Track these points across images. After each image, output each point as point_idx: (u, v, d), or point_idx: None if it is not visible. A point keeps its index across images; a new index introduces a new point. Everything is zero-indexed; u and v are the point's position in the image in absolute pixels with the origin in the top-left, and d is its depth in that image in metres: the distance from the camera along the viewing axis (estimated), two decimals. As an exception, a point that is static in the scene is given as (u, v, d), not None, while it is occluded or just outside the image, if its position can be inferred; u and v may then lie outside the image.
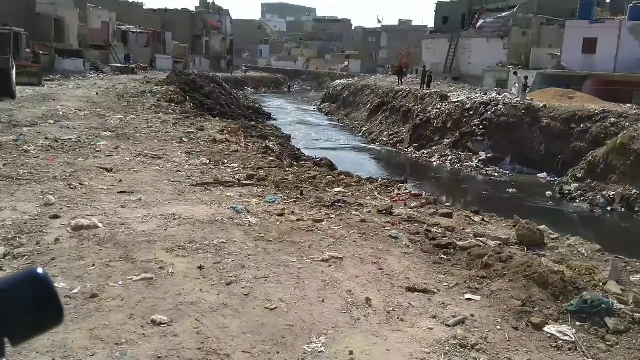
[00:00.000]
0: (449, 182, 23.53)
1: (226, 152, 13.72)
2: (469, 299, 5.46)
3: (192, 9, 77.34)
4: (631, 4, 31.10)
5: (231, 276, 5.53)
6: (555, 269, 5.85)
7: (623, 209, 17.46)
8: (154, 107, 22.15)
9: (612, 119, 21.36)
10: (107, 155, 11.73)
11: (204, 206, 8.25)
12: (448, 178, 23.93)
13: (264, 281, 5.48)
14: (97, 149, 12.33)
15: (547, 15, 39.31)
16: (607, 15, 37.16)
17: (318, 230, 7.39)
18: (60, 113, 17.62)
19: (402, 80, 40.46)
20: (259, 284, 5.41)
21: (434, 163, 25.59)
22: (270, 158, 13.94)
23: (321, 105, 52.48)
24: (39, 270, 1.05)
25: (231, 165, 12.06)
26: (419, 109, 30.36)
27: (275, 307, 4.91)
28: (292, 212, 8.26)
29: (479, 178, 22.96)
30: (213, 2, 79.70)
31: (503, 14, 42.03)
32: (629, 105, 24.03)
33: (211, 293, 5.12)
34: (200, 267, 5.69)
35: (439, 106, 28.91)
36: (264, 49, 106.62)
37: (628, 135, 18.89)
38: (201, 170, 11.21)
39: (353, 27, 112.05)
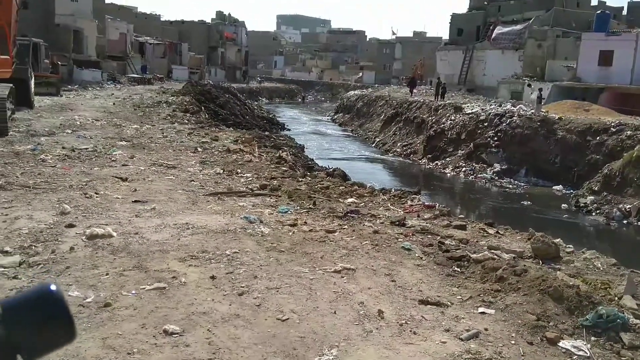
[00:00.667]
0: (463, 193, 23.40)
1: (240, 162, 13.77)
2: (483, 312, 5.41)
3: (208, 20, 78.18)
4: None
5: (243, 287, 5.54)
6: (571, 283, 5.78)
7: (639, 223, 17.24)
8: (169, 117, 22.35)
9: (629, 132, 21.17)
10: (123, 165, 11.83)
11: (218, 216, 8.28)
12: (462, 190, 23.80)
13: (276, 292, 5.48)
14: (113, 159, 12.45)
15: (563, 28, 39.13)
16: (624, 28, 36.89)
17: (331, 241, 7.38)
18: (78, 123, 17.85)
19: (414, 91, 40.50)
20: (271, 294, 5.40)
21: (448, 174, 25.47)
22: (284, 168, 13.97)
23: (335, 116, 52.57)
24: (52, 287, 1.05)
25: (245, 175, 12.10)
26: (433, 120, 30.30)
27: (287, 319, 4.90)
28: (305, 222, 8.26)
29: (493, 190, 22.81)
30: (229, 14, 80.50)
31: (518, 26, 41.90)
32: (646, 118, 23.80)
33: (223, 303, 5.13)
34: (213, 277, 5.71)
35: (453, 118, 28.83)
36: (279, 60, 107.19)
37: (645, 149, 18.69)
38: (215, 180, 11.26)
39: (367, 39, 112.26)
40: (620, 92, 29.41)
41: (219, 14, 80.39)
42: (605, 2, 50.42)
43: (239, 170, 12.56)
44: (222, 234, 7.32)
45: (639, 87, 28.78)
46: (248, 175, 12.15)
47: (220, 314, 4.89)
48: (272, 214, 8.74)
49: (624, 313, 5.26)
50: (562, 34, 38.56)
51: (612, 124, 22.19)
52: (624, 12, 48.76)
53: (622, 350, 4.77)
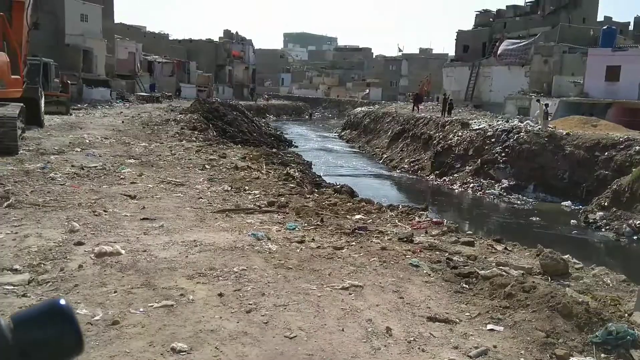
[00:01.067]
0: (471, 209, 23.33)
1: (248, 179, 13.82)
2: (491, 329, 5.37)
3: (216, 39, 78.94)
4: (655, 32, 30.90)
5: (251, 304, 5.54)
6: (580, 299, 5.74)
7: (650, 239, 17.11)
8: (177, 135, 22.50)
9: (637, 147, 21.11)
10: (132, 183, 11.90)
11: (225, 233, 8.30)
12: (470, 206, 23.74)
13: (283, 309, 5.47)
14: (121, 177, 12.53)
15: (569, 44, 39.23)
16: (630, 43, 36.94)
17: (338, 258, 7.37)
18: (87, 141, 18.00)
19: (419, 108, 40.65)
20: (278, 312, 5.40)
21: (456, 190, 25.43)
22: (291, 185, 13.99)
23: (342, 133, 52.77)
24: (62, 301, 1.08)
25: (253, 192, 12.13)
26: (440, 136, 30.35)
27: (295, 336, 4.89)
28: (313, 239, 8.26)
29: (501, 206, 22.73)
30: (236, 33, 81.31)
31: (524, 42, 42.07)
32: (655, 133, 23.72)
33: (231, 321, 5.13)
34: (221, 295, 5.71)
35: (460, 134, 28.87)
36: (286, 77, 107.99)
37: (654, 164, 18.61)
38: (223, 197, 11.29)
39: (374, 56, 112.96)
40: (628, 107, 29.35)
41: (227, 32, 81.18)
42: (611, 18, 50.66)
43: (246, 187, 12.59)
44: (230, 251, 7.34)
45: (648, 102, 28.74)
46: (256, 192, 12.17)
47: (227, 332, 4.89)
48: (279, 230, 8.75)
49: (634, 330, 5.21)
50: (569, 49, 38.65)
51: (621, 139, 22.14)
52: (631, 27, 48.84)
53: (633, 368, 4.72)
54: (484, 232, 16.86)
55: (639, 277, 9.51)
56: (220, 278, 6.25)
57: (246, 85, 78.69)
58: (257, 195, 11.79)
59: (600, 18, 49.58)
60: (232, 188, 12.33)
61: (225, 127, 30.89)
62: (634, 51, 31.38)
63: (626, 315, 5.79)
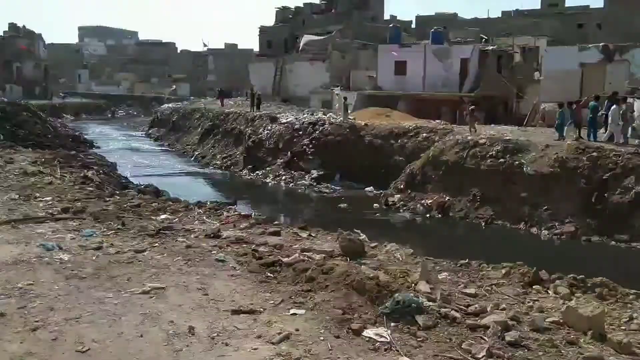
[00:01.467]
0: (284, 201, 23.99)
1: (39, 186, 12.65)
2: (294, 314, 5.53)
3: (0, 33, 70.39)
4: (432, 30, 34.56)
5: (37, 321, 5.04)
6: (372, 275, 6.18)
7: (440, 215, 19.13)
8: (-50, 140, 19.66)
9: (424, 134, 23.41)
10: None
11: (10, 246, 7.47)
12: (283, 198, 24.39)
13: (75, 322, 5.06)
14: None
15: (364, 41, 42.21)
16: (414, 40, 40.88)
17: (139, 261, 7.05)
18: None
19: (230, 102, 40.99)
20: (69, 326, 4.98)
21: (270, 184, 25.92)
22: (90, 189, 13.09)
23: (150, 131, 50.64)
24: None
25: (44, 199, 11.14)
26: (251, 131, 30.65)
27: (88, 349, 4.55)
28: (112, 244, 7.81)
29: (312, 195, 23.69)
30: (24, 26, 73.31)
31: (321, 39, 44.32)
32: (438, 121, 26.57)
33: (13, 342, 4.62)
34: (2, 315, 5.11)
35: (270, 128, 29.43)
36: (83, 73, 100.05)
37: (439, 149, 20.84)
38: (9, 207, 10.20)
39: (179, 51, 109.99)
40: (415, 98, 32.42)
41: (12, 25, 72.83)
42: (396, 17, 55.53)
43: (37, 194, 11.51)
44: (14, 265, 6.62)
45: (430, 93, 32.05)
46: (48, 198, 11.18)
47: (9, 355, 4.39)
48: (74, 238, 8.12)
49: (419, 297, 5.74)
50: (362, 46, 41.54)
51: (410, 128, 24.39)
52: (413, 25, 54.03)
53: (418, 332, 5.18)
54: (298, 221, 17.37)
55: (428, 249, 10.60)
56: (1, 296, 5.58)
57: (38, 83, 71.45)
58: (50, 202, 10.83)
59: (386, 17, 54.12)
60: (20, 196, 11.19)
61: (15, 130, 27.92)
62: (416, 47, 34.70)
63: (413, 285, 6.38)
